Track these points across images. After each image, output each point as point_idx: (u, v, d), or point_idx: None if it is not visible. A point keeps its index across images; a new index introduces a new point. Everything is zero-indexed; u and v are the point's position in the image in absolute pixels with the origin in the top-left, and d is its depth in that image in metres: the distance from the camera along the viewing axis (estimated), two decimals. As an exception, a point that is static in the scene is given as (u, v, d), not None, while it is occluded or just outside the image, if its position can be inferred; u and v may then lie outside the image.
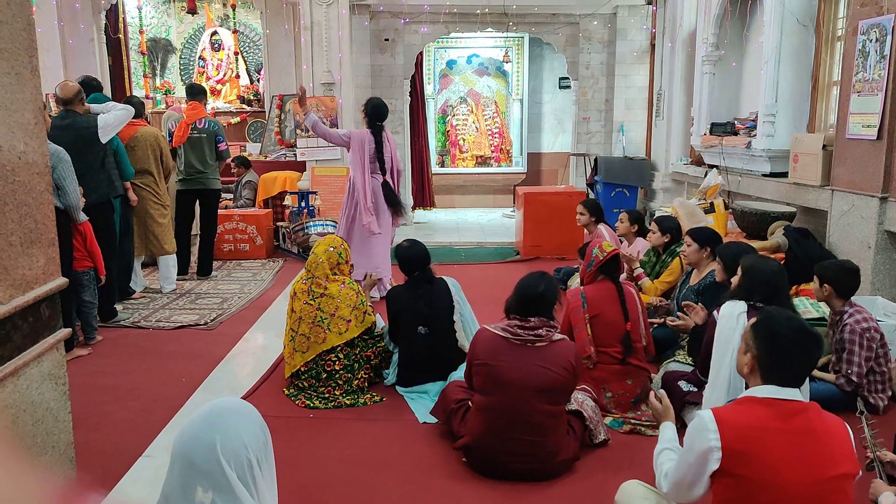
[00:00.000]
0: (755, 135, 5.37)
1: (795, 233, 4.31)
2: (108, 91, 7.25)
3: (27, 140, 2.01)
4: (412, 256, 3.50)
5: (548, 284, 2.68)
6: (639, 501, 2.00)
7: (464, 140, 10.46)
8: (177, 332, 4.39)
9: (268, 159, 7.82)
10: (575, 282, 4.34)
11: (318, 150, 7.09)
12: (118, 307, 4.68)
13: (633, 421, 3.02)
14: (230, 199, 7.14)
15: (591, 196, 7.76)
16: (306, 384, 3.34)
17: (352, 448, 2.86)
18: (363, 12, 8.44)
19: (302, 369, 3.34)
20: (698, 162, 6.65)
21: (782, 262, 3.83)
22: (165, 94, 9.19)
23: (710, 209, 5.18)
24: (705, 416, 1.70)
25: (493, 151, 10.48)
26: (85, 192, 4.12)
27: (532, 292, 2.65)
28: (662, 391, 2.13)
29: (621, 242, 4.78)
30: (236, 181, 7.26)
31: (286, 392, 3.39)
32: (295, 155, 7.41)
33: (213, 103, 8.71)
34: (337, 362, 3.31)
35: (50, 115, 4.25)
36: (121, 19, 8.41)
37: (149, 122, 5.61)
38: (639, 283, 4.14)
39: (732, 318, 2.64)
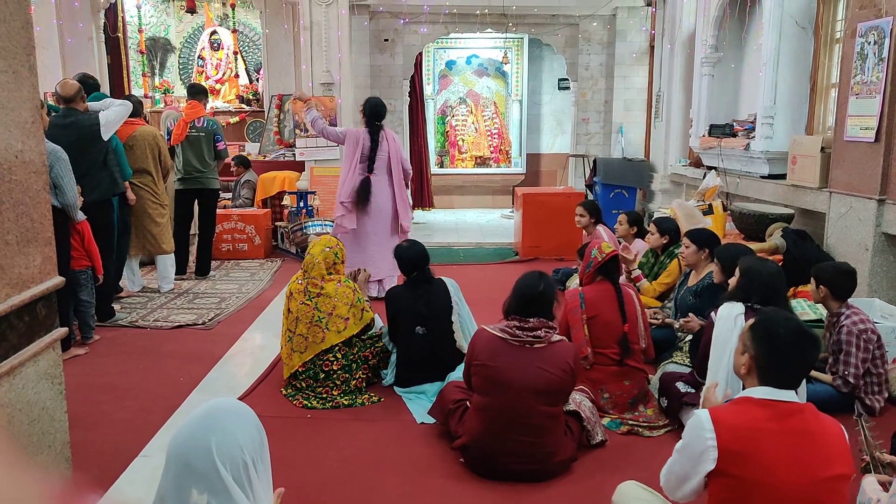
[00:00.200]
0: (754, 136, 5.37)
1: (793, 234, 4.31)
2: (106, 90, 7.23)
3: (24, 139, 2.01)
4: (411, 257, 3.50)
5: (547, 284, 2.68)
6: (636, 502, 2.00)
7: (463, 141, 10.47)
8: (174, 331, 4.39)
9: (266, 159, 7.82)
10: (573, 282, 4.35)
11: (316, 151, 7.09)
12: (115, 307, 4.67)
13: (630, 422, 3.02)
14: (228, 199, 7.14)
15: (590, 197, 7.77)
16: (304, 384, 3.34)
17: (349, 448, 2.86)
18: (363, 12, 8.44)
19: (300, 369, 3.34)
20: (697, 163, 6.65)
21: (780, 264, 3.83)
22: (164, 94, 9.18)
23: (708, 211, 5.19)
24: (702, 416, 1.70)
25: (492, 152, 10.48)
26: (88, 190, 4.12)
27: (532, 292, 2.65)
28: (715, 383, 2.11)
29: (619, 243, 4.78)
30: (235, 180, 7.26)
31: (284, 392, 3.39)
32: (294, 155, 7.41)
33: (212, 103, 8.70)
34: (335, 362, 3.31)
35: (48, 114, 4.24)
36: (120, 18, 8.40)
37: (147, 122, 5.60)
38: (637, 284, 4.14)
39: (730, 320, 2.64)
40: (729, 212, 5.12)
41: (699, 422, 1.69)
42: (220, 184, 5.90)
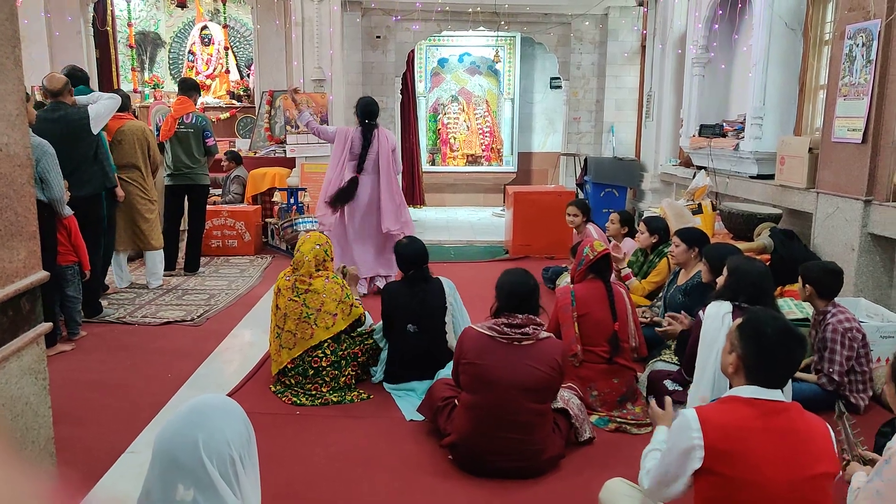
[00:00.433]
0: (743, 137, 5.41)
1: (781, 234, 4.35)
2: (94, 84, 7.17)
3: (9, 132, 1.99)
4: (409, 254, 3.49)
5: (534, 280, 2.71)
6: (623, 499, 2.02)
7: (455, 139, 10.46)
8: (163, 328, 4.36)
9: (257, 155, 7.78)
10: (564, 280, 4.36)
11: (307, 147, 7.06)
12: (103, 303, 4.64)
13: (618, 419, 3.04)
14: (218, 196, 7.10)
15: (581, 196, 7.79)
16: (293, 381, 3.33)
17: (338, 445, 2.86)
18: (355, 9, 8.42)
19: (289, 366, 3.33)
20: (687, 163, 6.69)
21: (768, 264, 3.87)
22: (154, 89, 9.11)
23: (697, 210, 5.22)
24: (689, 415, 1.71)
25: (483, 150, 10.49)
26: (80, 185, 4.08)
27: (524, 289, 2.66)
28: (668, 399, 2.13)
29: (609, 242, 4.80)
30: (225, 176, 7.22)
31: (273, 389, 3.37)
32: (284, 151, 7.38)
33: (202, 98, 8.63)
34: (324, 359, 3.31)
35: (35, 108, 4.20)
36: (109, 12, 8.32)
37: (136, 116, 5.55)
38: (626, 283, 4.16)
39: (717, 319, 2.66)
40: (718, 211, 5.15)
41: (686, 421, 1.70)
42: (210, 179, 5.86)
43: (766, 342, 1.73)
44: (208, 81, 9.05)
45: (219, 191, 7.17)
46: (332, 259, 3.50)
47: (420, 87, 10.09)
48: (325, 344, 3.31)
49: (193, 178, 5.53)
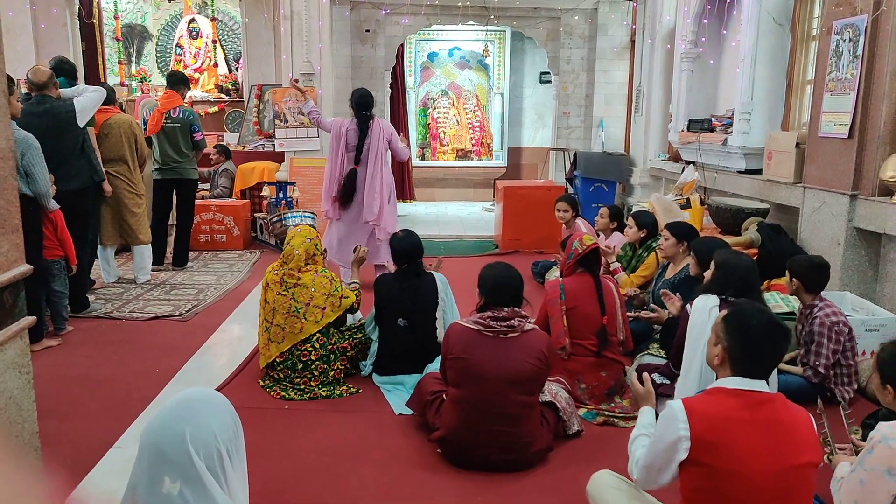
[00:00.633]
0: (731, 132, 5.44)
1: (768, 229, 4.38)
2: (81, 77, 7.08)
3: (-7, 124, 1.96)
4: (403, 248, 3.49)
5: (517, 272, 2.73)
6: (610, 491, 2.03)
7: (444, 133, 10.45)
8: (151, 323, 4.33)
9: (246, 149, 7.72)
10: (553, 275, 4.37)
11: (296, 141, 7.03)
12: (90, 297, 4.60)
13: (606, 412, 3.06)
14: (206, 190, 7.05)
15: (570, 191, 7.81)
16: (282, 375, 3.32)
17: (326, 439, 2.86)
18: (344, 2, 8.37)
19: (277, 360, 3.32)
20: (675, 158, 6.72)
21: (755, 258, 3.90)
22: (141, 82, 9.02)
23: (686, 205, 5.25)
24: (675, 407, 1.72)
25: (473, 145, 10.48)
26: (67, 179, 4.04)
27: (512, 283, 2.67)
28: (647, 374, 2.15)
29: (598, 236, 4.82)
30: (213, 170, 7.17)
31: (261, 383, 3.37)
32: (273, 145, 7.33)
33: (190, 92, 8.56)
34: (313, 352, 3.30)
35: (19, 100, 4.15)
36: (95, 4, 8.21)
37: (123, 110, 5.50)
38: (615, 276, 4.17)
39: (705, 312, 2.68)
40: (706, 206, 5.18)
41: (673, 412, 1.72)
42: (198, 173, 5.82)
43: (752, 334, 1.75)
44: (196, 75, 8.97)
45: (207, 185, 7.12)
46: (322, 253, 3.49)
47: (410, 81, 10.05)
48: (314, 338, 3.30)
49: (181, 173, 5.49)
